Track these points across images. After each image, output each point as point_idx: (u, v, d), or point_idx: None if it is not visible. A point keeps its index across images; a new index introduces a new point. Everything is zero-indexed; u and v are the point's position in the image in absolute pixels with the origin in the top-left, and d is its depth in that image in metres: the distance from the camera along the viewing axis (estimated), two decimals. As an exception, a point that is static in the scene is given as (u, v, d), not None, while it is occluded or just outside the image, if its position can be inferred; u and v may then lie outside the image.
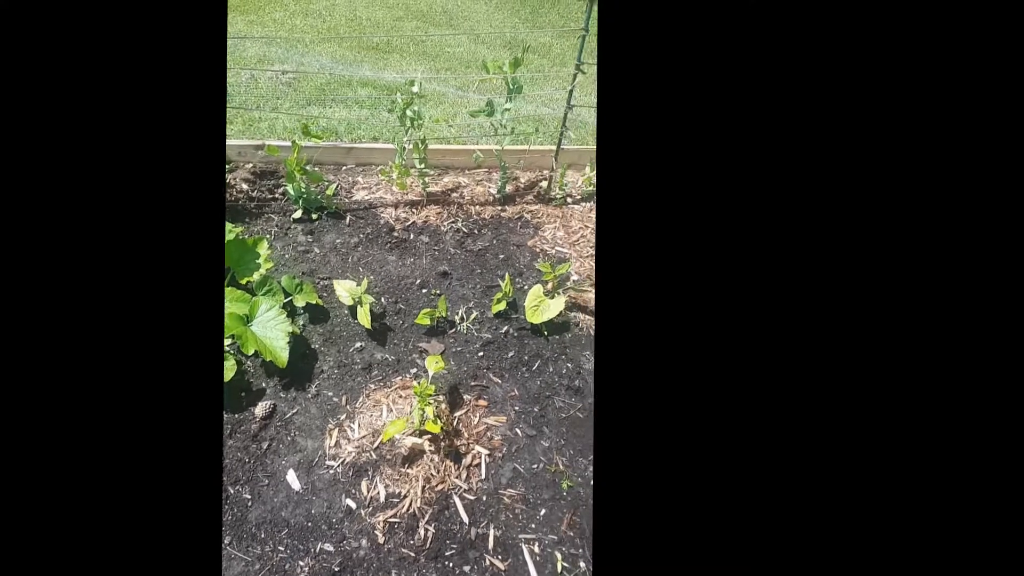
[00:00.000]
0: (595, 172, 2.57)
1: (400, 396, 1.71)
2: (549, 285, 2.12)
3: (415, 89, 2.25)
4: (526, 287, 2.09)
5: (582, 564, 1.35)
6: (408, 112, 2.27)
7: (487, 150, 2.61)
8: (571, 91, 2.25)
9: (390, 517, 1.41)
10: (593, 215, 2.54)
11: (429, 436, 1.58)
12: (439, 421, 1.55)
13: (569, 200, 2.61)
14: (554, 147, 2.51)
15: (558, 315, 1.98)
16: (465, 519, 1.42)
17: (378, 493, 1.46)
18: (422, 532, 1.39)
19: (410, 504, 1.44)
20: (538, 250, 2.36)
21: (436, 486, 1.49)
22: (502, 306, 2.00)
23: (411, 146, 2.42)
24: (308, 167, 2.33)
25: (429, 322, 1.93)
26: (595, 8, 2.06)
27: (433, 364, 1.61)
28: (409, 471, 1.51)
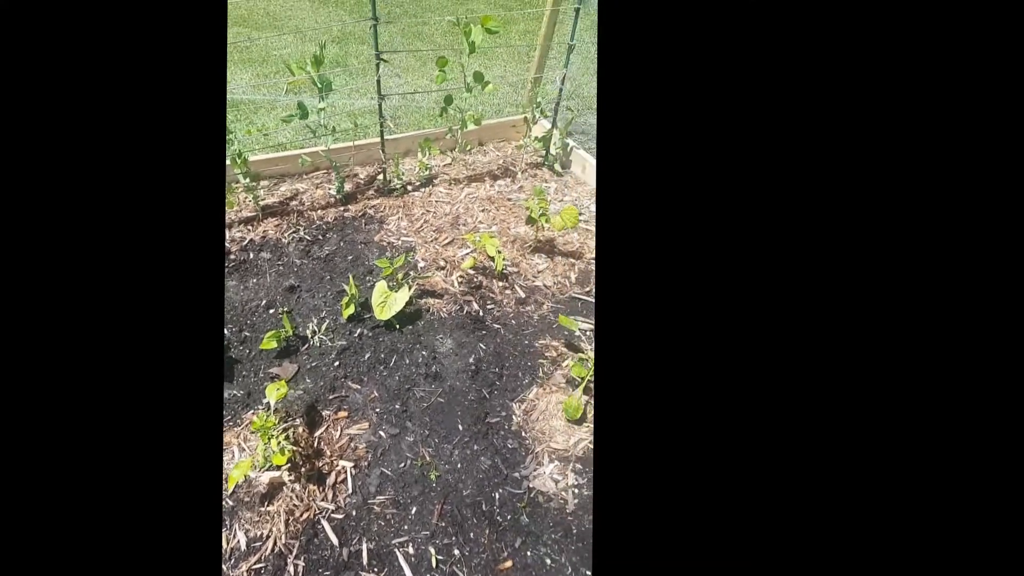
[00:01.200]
0: (426, 157, 2.43)
1: (251, 433, 1.52)
2: (399, 276, 1.99)
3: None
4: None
5: (456, 552, 1.28)
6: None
7: (313, 152, 2.39)
8: (378, 81, 2.07)
9: (254, 564, 1.26)
10: (432, 199, 2.41)
11: (288, 465, 1.42)
12: (288, 450, 1.40)
13: (409, 188, 2.46)
14: (379, 139, 2.33)
15: (407, 306, 1.86)
16: (335, 541, 1.30)
17: (238, 542, 1.30)
18: (291, 569, 1.25)
19: (274, 543, 1.29)
20: (385, 244, 2.20)
21: (301, 516, 1.34)
22: (352, 309, 1.84)
23: (229, 161, 2.15)
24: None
25: (277, 344, 1.74)
26: (378, -9, 1.89)
27: (274, 392, 1.44)
28: (270, 509, 1.35)
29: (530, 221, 2.01)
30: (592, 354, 1.72)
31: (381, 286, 1.81)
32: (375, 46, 1.97)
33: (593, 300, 1.95)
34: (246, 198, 2.34)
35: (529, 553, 1.27)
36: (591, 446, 1.50)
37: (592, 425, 1.56)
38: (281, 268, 2.09)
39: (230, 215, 2.29)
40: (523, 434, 1.53)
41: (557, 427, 1.54)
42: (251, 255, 2.14)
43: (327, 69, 2.09)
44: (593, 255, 2.12)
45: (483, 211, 2.34)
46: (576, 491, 1.40)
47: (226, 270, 2.06)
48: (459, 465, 1.45)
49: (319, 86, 2.06)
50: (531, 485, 1.41)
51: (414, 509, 1.36)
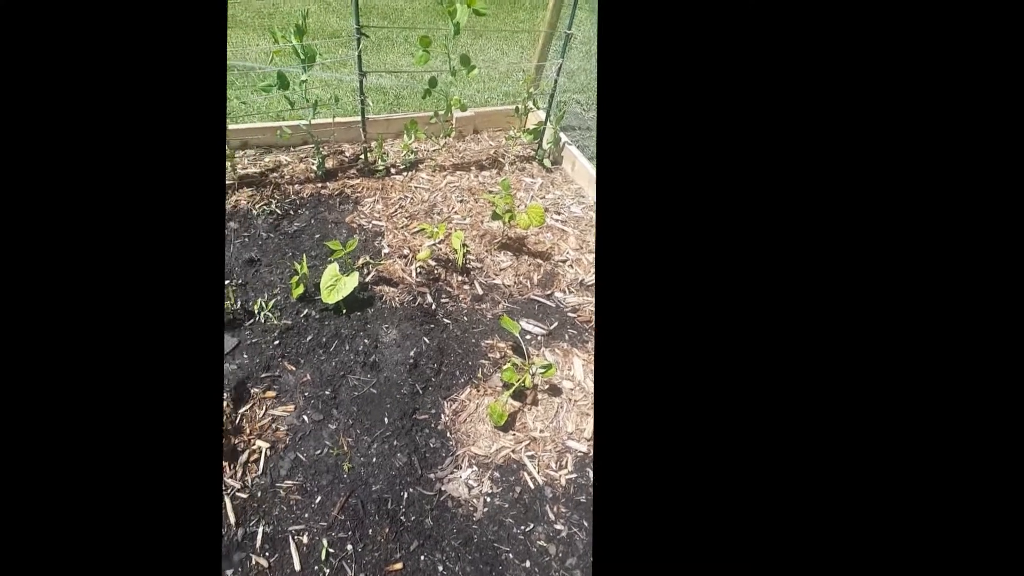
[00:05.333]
0: (412, 140, 2.42)
1: (173, 400, 1.54)
2: (360, 261, 1.99)
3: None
4: (333, 266, 1.95)
5: (349, 547, 1.27)
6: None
7: (294, 126, 2.40)
8: (359, 56, 2.07)
9: (147, 532, 1.28)
10: (413, 184, 2.40)
11: (203, 438, 1.43)
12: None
13: (392, 171, 2.46)
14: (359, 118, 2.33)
15: (360, 291, 1.86)
16: (233, 520, 1.31)
17: (137, 509, 1.32)
18: (182, 542, 1.27)
19: (171, 515, 1.31)
20: (355, 225, 2.21)
21: (204, 491, 1.35)
22: (301, 289, 1.85)
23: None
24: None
25: (222, 315, 1.76)
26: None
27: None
28: (175, 479, 1.37)
29: (495, 217, 1.98)
30: (536, 360, 1.69)
31: (332, 269, 1.81)
32: (355, 20, 1.97)
33: (551, 304, 1.92)
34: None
35: (423, 558, 1.26)
36: (513, 455, 1.47)
37: (516, 434, 1.53)
38: (246, 240, 2.12)
39: (206, 182, 2.33)
40: (448, 435, 1.51)
41: (483, 431, 1.52)
42: (220, 224, 2.17)
43: (312, 39, 2.10)
44: (562, 257, 2.08)
45: (461, 201, 2.32)
46: (488, 500, 1.37)
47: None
48: (375, 459, 1.44)
49: (302, 57, 2.07)
50: (443, 488, 1.39)
51: (319, 498, 1.36)
